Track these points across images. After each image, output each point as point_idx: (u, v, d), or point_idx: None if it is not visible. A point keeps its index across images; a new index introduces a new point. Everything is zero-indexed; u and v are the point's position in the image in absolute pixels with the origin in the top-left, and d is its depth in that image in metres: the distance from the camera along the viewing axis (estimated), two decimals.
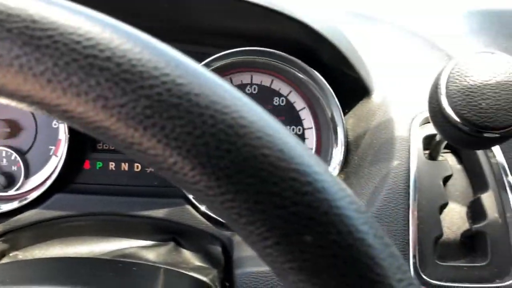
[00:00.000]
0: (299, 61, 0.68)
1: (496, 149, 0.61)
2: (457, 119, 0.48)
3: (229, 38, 0.69)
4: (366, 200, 0.63)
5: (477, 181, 0.63)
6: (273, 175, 0.22)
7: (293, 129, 0.75)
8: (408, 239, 0.59)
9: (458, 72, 0.48)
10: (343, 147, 0.69)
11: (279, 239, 0.22)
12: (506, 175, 0.60)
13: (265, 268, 0.61)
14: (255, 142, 0.22)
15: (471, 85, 0.47)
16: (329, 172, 0.24)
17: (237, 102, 0.23)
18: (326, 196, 0.23)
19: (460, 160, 0.66)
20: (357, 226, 0.23)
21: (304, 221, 0.22)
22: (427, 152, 0.65)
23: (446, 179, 0.64)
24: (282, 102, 0.75)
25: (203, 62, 0.68)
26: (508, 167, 0.60)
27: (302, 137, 0.75)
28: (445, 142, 0.62)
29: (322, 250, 0.22)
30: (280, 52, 0.68)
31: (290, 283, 0.23)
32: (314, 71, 0.68)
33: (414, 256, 0.58)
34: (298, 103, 0.75)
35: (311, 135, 0.75)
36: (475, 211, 0.61)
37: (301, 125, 0.75)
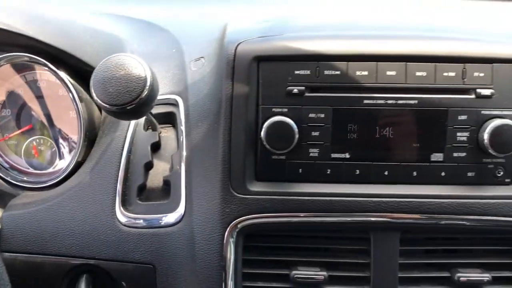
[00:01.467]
0: (45, 62, 0.91)
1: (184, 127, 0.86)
2: (98, 100, 0.72)
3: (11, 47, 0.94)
4: (95, 161, 0.87)
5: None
6: None
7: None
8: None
9: (99, 69, 0.72)
10: (81, 123, 0.92)
11: None
12: (183, 143, 0.85)
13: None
14: None
15: (105, 77, 0.71)
16: None
17: None
18: None
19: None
20: None
21: None
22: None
23: (157, 145, 0.89)
24: (65, 92, 0.99)
25: None
26: (186, 138, 0.85)
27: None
28: (152, 118, 0.87)
29: None
30: (33, 56, 0.91)
31: None
32: (57, 71, 0.91)
33: (119, 198, 0.83)
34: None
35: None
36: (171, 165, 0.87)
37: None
